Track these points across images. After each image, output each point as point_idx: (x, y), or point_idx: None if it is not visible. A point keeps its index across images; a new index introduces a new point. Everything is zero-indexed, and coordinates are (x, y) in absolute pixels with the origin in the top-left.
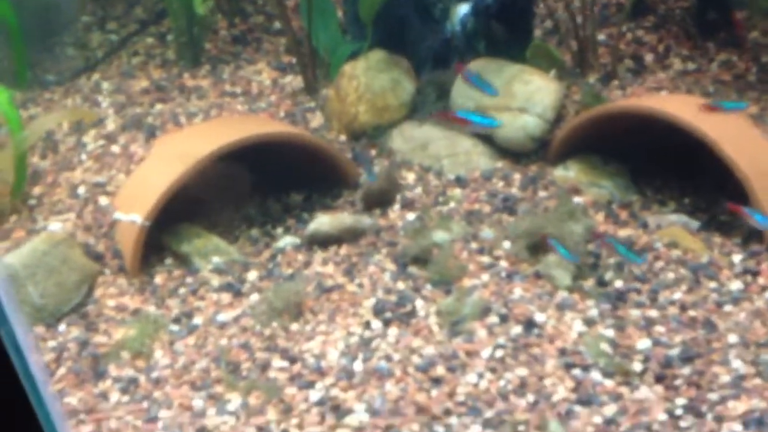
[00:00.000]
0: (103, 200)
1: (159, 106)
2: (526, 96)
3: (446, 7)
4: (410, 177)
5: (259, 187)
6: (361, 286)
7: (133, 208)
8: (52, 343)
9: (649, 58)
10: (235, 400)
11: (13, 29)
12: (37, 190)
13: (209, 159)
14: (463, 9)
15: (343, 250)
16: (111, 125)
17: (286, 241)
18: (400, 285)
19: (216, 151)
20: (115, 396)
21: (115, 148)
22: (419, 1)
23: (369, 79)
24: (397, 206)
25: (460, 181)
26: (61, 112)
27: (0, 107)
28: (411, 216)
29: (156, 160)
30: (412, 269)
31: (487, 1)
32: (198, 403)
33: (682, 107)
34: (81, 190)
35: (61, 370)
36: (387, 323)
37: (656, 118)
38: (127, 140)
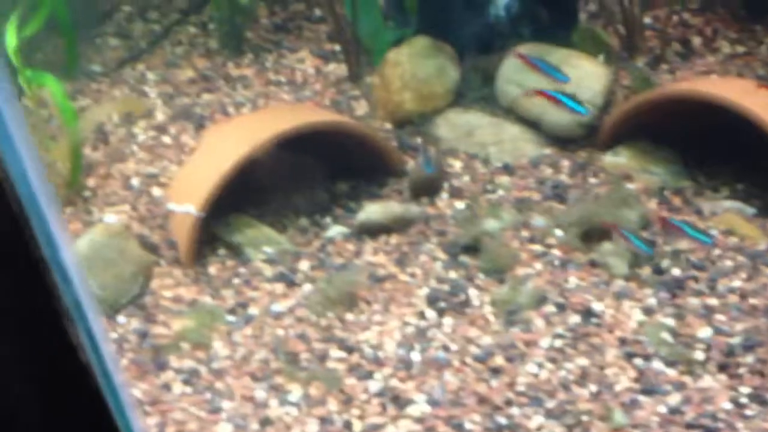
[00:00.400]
0: (157, 191)
1: (206, 96)
2: (575, 81)
3: None
4: (457, 165)
5: (307, 176)
6: (413, 275)
7: (186, 199)
8: (112, 335)
9: (696, 41)
10: (296, 391)
11: (63, 19)
12: (91, 182)
13: (266, 147)
14: None
15: (393, 239)
16: (160, 116)
17: (336, 230)
18: (453, 274)
19: (271, 140)
20: (177, 387)
21: (166, 139)
22: None
23: (414, 66)
24: (444, 194)
25: (507, 169)
26: (112, 103)
27: (54, 99)
28: (459, 204)
29: (207, 151)
30: (464, 258)
31: None
32: (260, 394)
33: (738, 92)
34: (134, 181)
35: (123, 361)
36: (441, 313)
37: (714, 103)
38: (177, 131)
